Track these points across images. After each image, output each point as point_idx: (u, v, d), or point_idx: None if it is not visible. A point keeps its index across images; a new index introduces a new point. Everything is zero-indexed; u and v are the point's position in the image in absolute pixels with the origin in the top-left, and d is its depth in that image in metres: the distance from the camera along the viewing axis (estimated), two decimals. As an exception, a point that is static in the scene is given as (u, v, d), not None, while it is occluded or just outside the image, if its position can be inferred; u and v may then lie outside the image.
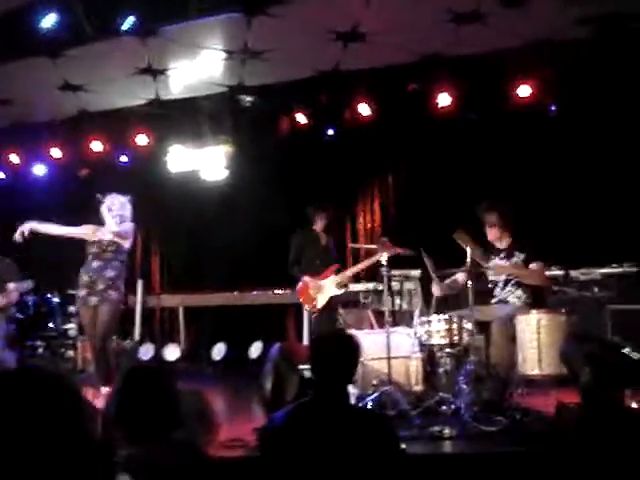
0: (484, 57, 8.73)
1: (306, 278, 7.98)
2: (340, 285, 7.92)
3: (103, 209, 7.10)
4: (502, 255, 6.79)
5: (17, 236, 7.22)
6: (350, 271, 8.03)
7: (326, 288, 7.90)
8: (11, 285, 8.06)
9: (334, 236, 8.52)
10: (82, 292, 6.99)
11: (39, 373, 1.83)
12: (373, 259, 7.47)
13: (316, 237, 8.25)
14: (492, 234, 6.85)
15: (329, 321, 7.97)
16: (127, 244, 7.16)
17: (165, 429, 2.93)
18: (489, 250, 6.88)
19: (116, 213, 7.14)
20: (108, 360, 6.94)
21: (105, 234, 7.03)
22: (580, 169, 9.33)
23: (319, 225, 8.24)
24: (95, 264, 6.98)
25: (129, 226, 7.21)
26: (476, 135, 9.67)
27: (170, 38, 8.22)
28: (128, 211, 7.26)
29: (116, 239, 7.03)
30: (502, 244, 6.86)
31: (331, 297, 7.88)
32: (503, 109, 9.24)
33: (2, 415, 1.72)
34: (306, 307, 8.02)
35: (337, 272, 7.96)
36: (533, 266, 6.66)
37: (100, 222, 7.18)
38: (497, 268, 6.69)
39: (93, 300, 6.91)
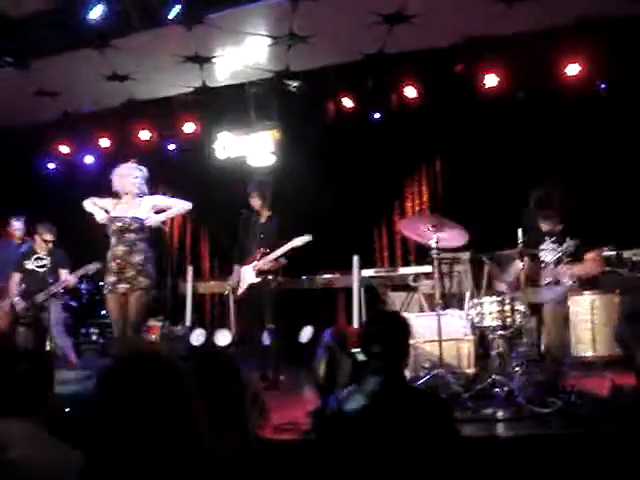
0: (532, 36, 8.61)
1: (236, 266, 7.90)
2: (258, 272, 7.68)
3: (122, 196, 6.93)
4: (553, 239, 6.67)
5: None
6: (271, 257, 7.66)
7: (247, 275, 7.77)
8: (63, 273, 8.20)
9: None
10: (110, 279, 6.67)
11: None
12: (293, 244, 7.47)
13: (255, 218, 7.93)
14: (547, 226, 6.70)
15: (249, 311, 7.86)
16: (151, 220, 6.89)
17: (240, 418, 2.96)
18: (540, 233, 6.75)
19: (135, 188, 6.94)
20: (138, 346, 6.68)
21: (126, 221, 6.75)
22: (632, 149, 9.16)
23: (255, 204, 7.90)
24: (120, 249, 6.67)
25: (148, 205, 6.93)
26: (524, 116, 9.54)
27: (216, 25, 8.26)
28: (144, 182, 7.03)
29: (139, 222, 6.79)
30: (556, 229, 6.74)
31: (250, 285, 7.72)
32: (552, 88, 9.10)
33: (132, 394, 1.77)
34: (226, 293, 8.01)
35: (261, 257, 7.72)
36: (589, 256, 6.51)
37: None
38: (557, 274, 6.54)
39: (122, 288, 6.63)
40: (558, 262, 6.61)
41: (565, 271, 6.47)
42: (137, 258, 6.66)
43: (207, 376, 2.93)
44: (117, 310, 6.68)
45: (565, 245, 6.56)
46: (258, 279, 7.71)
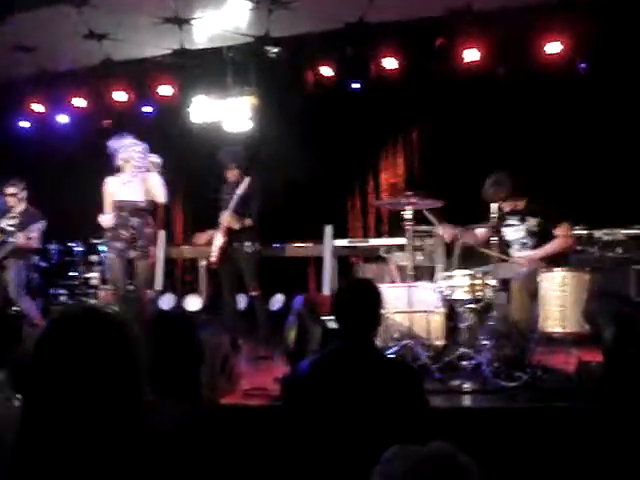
0: (515, 11, 8.58)
1: (209, 231, 7.93)
2: (226, 233, 7.68)
3: (127, 175, 7.26)
4: (516, 219, 6.71)
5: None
6: (222, 226, 7.70)
7: (216, 240, 7.77)
8: (33, 228, 8.10)
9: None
10: (119, 244, 7.20)
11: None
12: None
13: (227, 186, 7.92)
14: (508, 206, 6.73)
15: (225, 276, 7.84)
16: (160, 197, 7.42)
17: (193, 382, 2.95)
18: (502, 213, 6.76)
19: (141, 165, 7.21)
20: (145, 308, 7.37)
21: (138, 200, 7.27)
22: (607, 129, 9.21)
23: (233, 176, 7.86)
24: (136, 222, 7.22)
25: (155, 183, 7.38)
26: (503, 91, 9.55)
27: (197, -14, 8.17)
28: (147, 157, 7.34)
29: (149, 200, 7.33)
30: (517, 207, 6.76)
31: (220, 249, 7.71)
32: (532, 65, 9.09)
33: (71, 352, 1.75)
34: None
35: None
36: (559, 231, 6.55)
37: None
38: (525, 260, 6.57)
39: (132, 254, 7.22)
40: (523, 245, 6.66)
41: (533, 258, 6.51)
42: (149, 230, 7.33)
43: (158, 338, 2.92)
44: (121, 270, 7.28)
45: (527, 223, 6.61)
46: (231, 243, 7.67)
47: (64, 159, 11.18)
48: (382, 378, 3.22)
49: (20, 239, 7.98)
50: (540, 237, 6.60)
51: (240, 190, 7.58)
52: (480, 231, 6.87)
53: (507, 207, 6.70)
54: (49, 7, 8.40)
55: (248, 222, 7.64)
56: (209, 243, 7.90)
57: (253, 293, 7.63)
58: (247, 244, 7.63)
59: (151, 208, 7.45)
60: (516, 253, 6.72)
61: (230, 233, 7.66)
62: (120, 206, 7.26)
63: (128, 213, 7.22)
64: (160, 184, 7.39)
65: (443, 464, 1.57)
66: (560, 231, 6.53)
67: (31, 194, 8.47)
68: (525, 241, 6.68)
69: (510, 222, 6.73)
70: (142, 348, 1.85)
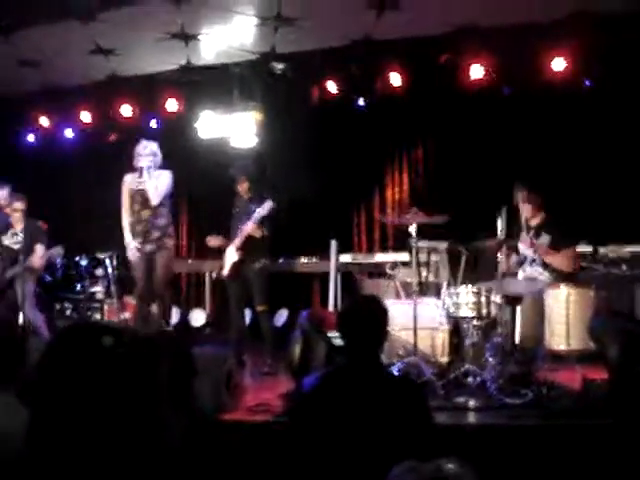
0: (520, 28, 8.60)
1: (221, 237, 7.95)
2: (239, 250, 7.66)
3: (145, 172, 7.32)
4: (531, 234, 6.75)
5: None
6: (244, 231, 7.64)
7: (230, 254, 7.76)
8: (39, 248, 8.07)
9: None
10: (136, 241, 7.37)
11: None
12: (259, 213, 7.45)
13: (238, 199, 7.95)
14: (526, 210, 6.79)
15: (234, 292, 7.80)
16: (170, 192, 7.52)
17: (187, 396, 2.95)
18: (519, 226, 6.84)
19: (152, 164, 7.33)
20: (167, 305, 7.59)
21: (150, 194, 7.33)
22: (611, 145, 9.22)
23: (243, 188, 7.87)
24: (147, 214, 7.35)
25: (166, 180, 7.44)
26: (508, 108, 9.57)
27: (203, 3, 8.19)
28: (159, 154, 7.49)
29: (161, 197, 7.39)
30: (534, 221, 6.82)
31: (233, 264, 7.71)
32: (536, 82, 9.11)
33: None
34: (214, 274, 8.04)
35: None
36: (563, 252, 6.57)
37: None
38: (534, 246, 6.60)
39: (149, 247, 7.34)
40: (533, 261, 6.67)
41: (539, 246, 6.54)
42: (163, 221, 7.41)
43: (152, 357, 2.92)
44: (142, 268, 7.42)
45: (541, 240, 6.62)
46: (243, 259, 7.66)
47: (70, 173, 11.23)
48: (387, 395, 3.21)
49: (35, 262, 7.98)
50: None
51: (264, 211, 7.59)
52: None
53: (528, 216, 6.75)
54: (56, 22, 8.43)
55: (265, 232, 7.67)
56: (219, 251, 7.92)
57: (260, 308, 7.62)
58: (259, 259, 7.64)
59: (165, 202, 7.49)
60: (528, 268, 6.72)
61: (242, 248, 7.65)
62: (132, 197, 7.44)
63: (140, 206, 7.37)
64: (161, 184, 7.43)
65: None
66: (564, 252, 6.54)
67: (37, 207, 8.47)
68: (536, 257, 6.68)
69: (524, 238, 6.75)
70: (161, 363, 1.84)
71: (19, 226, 8.12)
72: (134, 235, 7.40)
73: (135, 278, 7.61)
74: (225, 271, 7.80)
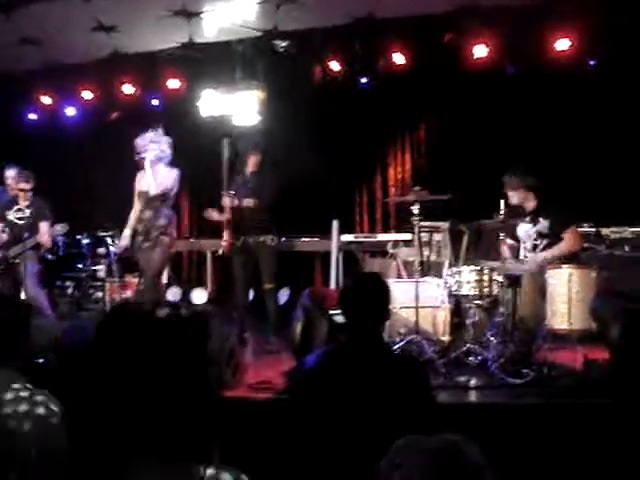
0: (524, 7, 8.56)
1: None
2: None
3: (147, 165, 7.26)
4: (528, 219, 6.66)
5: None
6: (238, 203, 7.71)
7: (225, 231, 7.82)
8: (43, 225, 8.08)
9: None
10: (138, 238, 7.35)
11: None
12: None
13: (241, 174, 7.96)
14: (515, 198, 6.68)
15: (242, 269, 7.80)
16: (174, 191, 7.42)
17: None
18: (517, 212, 6.76)
19: (160, 157, 7.25)
20: (157, 297, 7.33)
21: (150, 190, 7.26)
22: (615, 126, 9.19)
23: (254, 163, 7.90)
24: (147, 214, 7.29)
25: (172, 177, 7.37)
26: (511, 88, 9.53)
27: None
28: (169, 151, 7.39)
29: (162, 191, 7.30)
30: (529, 207, 6.72)
31: (245, 243, 7.73)
32: (540, 62, 9.07)
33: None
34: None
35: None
36: (567, 234, 6.49)
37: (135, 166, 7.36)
38: (536, 261, 6.50)
39: (147, 244, 7.28)
40: (534, 247, 6.62)
41: (545, 258, 6.44)
42: (162, 222, 7.30)
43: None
44: (145, 264, 7.40)
45: (538, 226, 6.57)
46: (250, 235, 7.66)
47: (72, 151, 11.20)
48: (389, 372, 3.21)
49: (40, 238, 7.97)
50: (550, 239, 6.55)
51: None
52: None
53: (514, 199, 6.65)
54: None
55: (248, 202, 7.64)
56: (219, 229, 7.92)
57: (267, 286, 7.62)
58: (268, 237, 7.63)
59: (165, 199, 7.37)
60: (528, 253, 6.68)
61: (247, 226, 7.65)
62: (138, 197, 7.42)
63: (142, 206, 7.34)
64: (165, 179, 7.36)
65: (452, 454, 1.57)
66: (567, 234, 6.47)
67: (39, 186, 8.46)
68: (537, 242, 6.61)
69: (523, 223, 6.68)
70: (213, 342, 1.84)
71: (24, 202, 8.13)
72: (137, 235, 7.37)
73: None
74: (224, 244, 7.79)
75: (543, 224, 6.53)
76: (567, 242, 6.42)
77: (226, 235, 7.78)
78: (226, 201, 7.66)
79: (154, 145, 7.28)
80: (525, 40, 9.00)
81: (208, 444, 1.73)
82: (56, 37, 9.66)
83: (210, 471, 1.66)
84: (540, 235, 6.57)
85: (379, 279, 3.56)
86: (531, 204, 6.64)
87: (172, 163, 7.54)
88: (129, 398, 1.68)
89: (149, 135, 7.33)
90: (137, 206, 7.41)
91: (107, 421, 1.69)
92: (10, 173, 8.82)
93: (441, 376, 5.55)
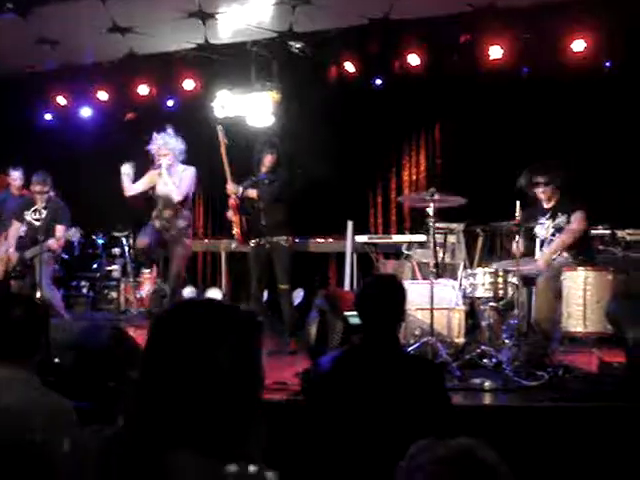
0: (540, 8, 8.53)
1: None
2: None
3: (163, 171, 7.35)
4: (547, 216, 6.66)
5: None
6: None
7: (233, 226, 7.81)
8: (59, 229, 8.09)
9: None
10: (156, 224, 7.45)
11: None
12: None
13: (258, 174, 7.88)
14: (544, 194, 6.69)
15: (258, 267, 7.74)
16: (192, 190, 7.59)
17: None
18: (537, 209, 6.76)
19: (177, 160, 7.35)
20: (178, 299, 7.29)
21: (173, 196, 7.35)
22: (631, 128, 9.16)
23: (270, 162, 7.78)
24: (167, 213, 7.39)
25: (189, 177, 7.46)
26: (527, 89, 9.51)
27: (221, -19, 8.18)
28: (180, 149, 7.46)
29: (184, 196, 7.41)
30: (550, 203, 6.72)
31: (260, 243, 7.69)
32: (556, 63, 9.04)
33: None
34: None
35: None
36: (572, 224, 6.47)
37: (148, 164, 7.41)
38: (542, 262, 6.47)
39: (167, 235, 7.43)
40: (551, 242, 6.60)
41: (550, 252, 6.42)
42: (182, 223, 7.45)
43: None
44: (153, 240, 7.53)
45: (557, 220, 6.55)
46: (267, 238, 7.64)
47: (87, 151, 11.24)
48: (404, 374, 3.21)
49: (53, 245, 8.00)
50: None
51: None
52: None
53: (545, 199, 6.66)
54: (73, 0, 8.43)
55: (251, 192, 7.63)
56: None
57: (283, 287, 7.60)
58: (282, 238, 7.62)
59: (185, 200, 7.50)
60: (545, 250, 6.64)
61: (262, 226, 7.64)
62: (155, 199, 7.50)
63: (162, 206, 7.42)
64: (184, 180, 7.43)
65: (469, 459, 1.56)
66: (574, 218, 6.45)
67: (54, 186, 8.50)
68: (553, 237, 6.59)
69: (541, 221, 6.67)
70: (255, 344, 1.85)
71: (41, 204, 8.16)
72: (155, 219, 7.50)
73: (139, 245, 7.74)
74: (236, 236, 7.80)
75: (561, 219, 6.52)
76: (570, 227, 6.41)
77: (235, 225, 7.75)
78: (229, 187, 7.62)
79: (165, 150, 7.35)
80: (541, 41, 8.98)
81: (251, 442, 1.74)
82: (72, 38, 9.70)
83: (252, 468, 1.66)
84: (557, 230, 6.55)
85: (395, 281, 3.57)
86: (554, 198, 6.64)
87: (187, 162, 7.57)
88: (179, 388, 1.69)
89: (159, 141, 7.36)
90: (140, 187, 7.57)
91: (150, 411, 1.70)
92: (16, 174, 8.91)
93: (456, 378, 5.53)
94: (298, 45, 9.83)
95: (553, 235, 6.58)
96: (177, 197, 7.31)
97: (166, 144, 7.34)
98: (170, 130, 7.46)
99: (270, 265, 7.65)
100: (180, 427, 1.66)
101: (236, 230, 7.71)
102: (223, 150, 7.66)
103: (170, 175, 7.31)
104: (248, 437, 1.73)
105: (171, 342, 1.73)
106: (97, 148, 11.21)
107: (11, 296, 3.53)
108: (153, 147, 7.39)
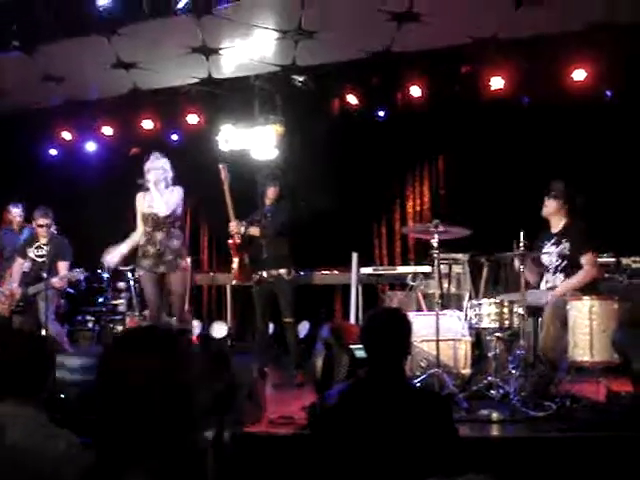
0: (540, 39, 8.60)
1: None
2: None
3: (152, 187, 7.20)
4: (553, 241, 6.67)
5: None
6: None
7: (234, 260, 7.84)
8: (62, 266, 8.10)
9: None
10: (146, 262, 7.21)
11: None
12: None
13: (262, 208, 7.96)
14: (550, 207, 6.69)
15: (262, 302, 7.76)
16: (180, 209, 7.36)
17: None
18: (544, 234, 6.76)
19: (161, 178, 7.25)
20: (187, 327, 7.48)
21: (160, 212, 7.18)
22: (633, 157, 9.18)
23: (273, 194, 7.90)
24: (159, 236, 7.18)
25: (177, 196, 7.31)
26: (529, 119, 9.55)
27: (224, 17, 8.24)
28: (170, 171, 7.35)
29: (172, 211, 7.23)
30: (556, 227, 6.72)
31: (262, 278, 7.74)
32: (557, 93, 9.09)
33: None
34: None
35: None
36: (585, 260, 6.46)
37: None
38: (555, 295, 6.46)
39: (162, 268, 7.17)
40: (556, 269, 6.60)
41: (563, 289, 6.41)
42: (175, 243, 7.23)
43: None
44: (154, 291, 7.28)
45: (561, 247, 6.55)
46: (270, 271, 7.65)
47: (92, 186, 11.29)
48: (411, 407, 3.20)
49: (56, 284, 8.00)
50: (570, 261, 6.53)
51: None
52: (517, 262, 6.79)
53: (549, 215, 6.67)
54: (78, 38, 8.51)
55: (254, 230, 7.66)
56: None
57: (287, 320, 7.59)
58: (284, 271, 7.63)
59: (174, 219, 7.30)
60: (551, 277, 6.65)
61: (264, 259, 7.65)
62: (144, 220, 7.29)
63: (152, 228, 7.21)
64: (172, 199, 7.29)
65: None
66: (585, 261, 6.45)
67: (59, 221, 8.53)
68: (558, 264, 6.59)
69: (546, 249, 6.66)
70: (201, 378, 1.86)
71: (44, 239, 8.18)
72: (146, 257, 7.23)
73: (146, 299, 7.54)
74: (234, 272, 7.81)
75: (565, 245, 6.52)
76: (586, 270, 6.40)
77: (235, 262, 7.77)
78: (232, 226, 7.66)
79: (154, 170, 7.25)
80: (542, 71, 9.04)
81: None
82: (77, 74, 9.79)
83: None
84: (561, 257, 6.55)
85: (400, 314, 3.56)
86: (560, 223, 6.64)
87: (191, 195, 7.56)
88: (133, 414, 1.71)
89: (147, 163, 7.33)
90: (141, 228, 7.31)
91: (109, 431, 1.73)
92: (16, 211, 8.96)
93: (463, 410, 5.50)
94: (301, 78, 9.91)
95: (557, 261, 6.57)
96: (165, 211, 7.15)
97: (152, 162, 7.30)
98: (158, 154, 7.43)
99: (274, 299, 7.66)
100: (130, 447, 1.69)
101: (235, 268, 7.74)
102: (226, 188, 7.68)
103: (158, 191, 7.20)
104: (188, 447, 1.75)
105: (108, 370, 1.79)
106: (102, 182, 11.26)
107: (17, 332, 3.52)
108: (149, 162, 7.31)
